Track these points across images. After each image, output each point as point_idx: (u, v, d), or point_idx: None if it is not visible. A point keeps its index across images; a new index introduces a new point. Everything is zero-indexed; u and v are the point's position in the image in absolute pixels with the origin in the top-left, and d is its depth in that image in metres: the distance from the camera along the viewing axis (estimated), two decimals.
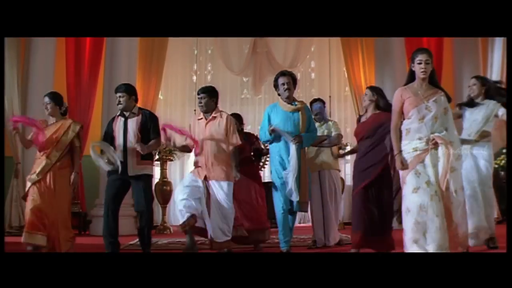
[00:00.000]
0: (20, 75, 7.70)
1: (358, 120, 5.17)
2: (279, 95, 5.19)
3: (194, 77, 9.77)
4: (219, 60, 9.44)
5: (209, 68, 9.90)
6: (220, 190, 4.95)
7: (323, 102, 6.08)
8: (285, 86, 5.11)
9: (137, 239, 6.40)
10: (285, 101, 5.12)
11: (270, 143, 5.13)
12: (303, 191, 4.97)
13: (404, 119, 4.06)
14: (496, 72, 8.10)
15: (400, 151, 3.98)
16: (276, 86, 5.20)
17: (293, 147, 4.92)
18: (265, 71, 8.95)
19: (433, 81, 4.07)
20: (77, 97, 7.97)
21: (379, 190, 4.65)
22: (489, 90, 5.07)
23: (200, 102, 5.12)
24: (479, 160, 4.95)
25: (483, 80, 5.19)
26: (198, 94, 5.20)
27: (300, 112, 5.08)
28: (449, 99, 4.06)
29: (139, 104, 8.04)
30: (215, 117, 5.09)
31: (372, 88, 5.08)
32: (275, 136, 5.02)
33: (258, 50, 8.98)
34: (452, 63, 8.30)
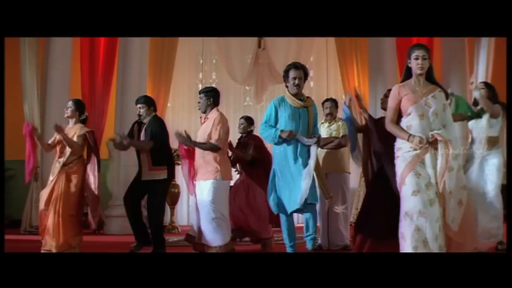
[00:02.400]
0: (39, 80, 8.22)
1: (372, 120, 4.89)
2: (286, 87, 4.81)
3: (200, 85, 10.18)
4: (223, 70, 9.92)
5: (213, 76, 10.36)
6: (203, 190, 4.96)
7: (335, 102, 5.85)
8: (296, 81, 4.70)
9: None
10: (293, 96, 4.75)
11: (276, 144, 4.73)
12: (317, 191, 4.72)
13: (402, 117, 3.90)
14: (481, 71, 8.47)
15: (410, 135, 3.75)
16: (286, 78, 4.78)
17: (314, 150, 4.62)
18: (267, 80, 9.46)
19: (431, 77, 3.92)
20: (92, 105, 8.50)
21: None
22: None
23: (198, 102, 5.25)
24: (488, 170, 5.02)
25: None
26: (199, 94, 5.32)
27: (308, 109, 4.75)
28: (447, 96, 3.95)
29: None
30: (208, 118, 5.12)
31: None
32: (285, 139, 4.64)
33: (260, 61, 9.48)
34: (441, 63, 8.56)
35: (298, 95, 4.75)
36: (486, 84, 5.37)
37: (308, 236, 4.66)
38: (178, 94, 10.12)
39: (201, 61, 10.28)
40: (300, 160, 4.62)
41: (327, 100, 5.89)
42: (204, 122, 5.18)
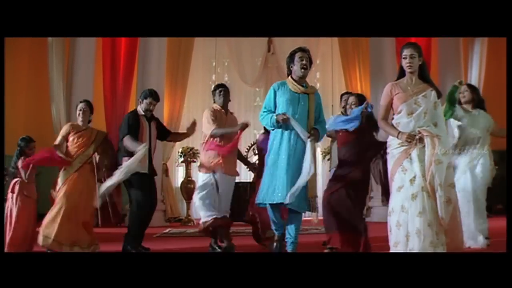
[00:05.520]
0: (65, 83, 8.75)
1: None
2: (288, 74, 4.50)
3: (213, 86, 10.79)
4: (234, 72, 10.43)
5: (226, 78, 10.81)
6: (230, 183, 5.17)
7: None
8: (304, 62, 4.39)
9: (169, 229, 7.53)
10: (296, 81, 4.42)
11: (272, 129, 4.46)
12: (311, 185, 4.37)
13: (394, 114, 3.97)
14: (475, 72, 8.86)
15: (399, 132, 3.82)
16: (290, 62, 4.48)
17: (308, 146, 4.26)
18: (274, 82, 9.99)
19: (423, 75, 3.97)
20: (113, 107, 9.09)
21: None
22: (480, 101, 5.25)
23: (223, 95, 5.32)
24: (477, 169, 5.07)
25: (474, 89, 5.36)
26: (222, 87, 5.42)
27: (309, 97, 4.43)
28: (439, 94, 3.93)
29: (166, 112, 9.16)
30: (231, 112, 5.40)
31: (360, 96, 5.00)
32: (282, 125, 4.32)
33: (269, 65, 10.02)
34: (437, 65, 8.94)
35: (303, 79, 4.47)
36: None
37: (288, 239, 4.43)
38: (192, 95, 10.61)
39: (214, 63, 10.75)
40: (293, 152, 4.32)
41: (347, 93, 5.75)
42: (227, 116, 5.34)
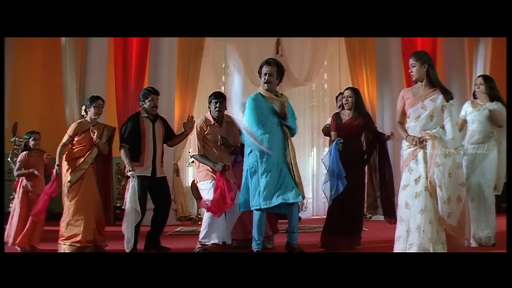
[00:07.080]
0: (78, 84, 8.91)
1: (337, 118, 5.20)
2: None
3: (223, 88, 10.76)
4: (243, 73, 10.57)
5: None
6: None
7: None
8: (266, 77, 4.54)
9: (181, 227, 7.69)
10: (267, 93, 4.58)
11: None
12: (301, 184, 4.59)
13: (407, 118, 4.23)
14: (480, 72, 8.82)
15: (407, 135, 4.11)
16: (259, 74, 4.67)
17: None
18: (283, 84, 9.93)
19: (432, 80, 4.15)
20: (125, 109, 9.23)
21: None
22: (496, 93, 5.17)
23: (218, 107, 5.04)
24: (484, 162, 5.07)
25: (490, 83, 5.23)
26: (218, 98, 5.06)
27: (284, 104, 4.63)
28: (448, 97, 4.07)
29: (177, 114, 9.27)
30: (228, 121, 5.16)
31: (355, 91, 5.26)
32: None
33: None
34: (442, 66, 9.02)
35: (270, 92, 4.59)
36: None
37: (294, 234, 4.64)
38: (202, 96, 10.49)
39: (223, 64, 10.82)
40: (283, 152, 4.53)
41: (341, 93, 5.85)
42: (221, 127, 5.16)
